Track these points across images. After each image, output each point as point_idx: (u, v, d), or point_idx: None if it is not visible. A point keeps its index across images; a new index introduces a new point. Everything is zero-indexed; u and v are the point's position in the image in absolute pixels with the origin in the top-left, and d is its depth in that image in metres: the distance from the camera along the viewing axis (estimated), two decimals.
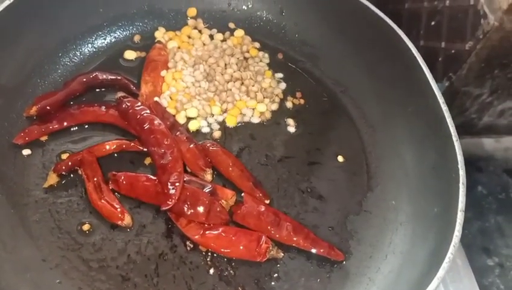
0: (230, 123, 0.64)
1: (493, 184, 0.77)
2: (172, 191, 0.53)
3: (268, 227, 0.54)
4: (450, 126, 0.54)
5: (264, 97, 0.66)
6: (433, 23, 0.71)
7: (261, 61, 0.69)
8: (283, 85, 0.68)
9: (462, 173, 0.51)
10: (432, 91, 0.57)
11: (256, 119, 0.65)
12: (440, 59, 0.71)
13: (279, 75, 0.69)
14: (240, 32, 0.71)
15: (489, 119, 0.79)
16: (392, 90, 0.64)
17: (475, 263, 0.64)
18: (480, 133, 0.81)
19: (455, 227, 0.48)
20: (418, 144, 0.60)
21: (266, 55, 0.70)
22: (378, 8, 0.64)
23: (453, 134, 0.54)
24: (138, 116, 0.58)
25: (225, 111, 0.65)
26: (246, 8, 0.74)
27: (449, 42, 0.69)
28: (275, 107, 0.66)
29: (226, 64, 0.67)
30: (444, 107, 0.56)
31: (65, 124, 0.59)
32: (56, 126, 0.59)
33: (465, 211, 0.49)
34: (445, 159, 0.54)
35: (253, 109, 0.65)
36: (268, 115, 0.65)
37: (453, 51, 0.68)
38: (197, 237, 0.53)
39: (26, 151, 0.58)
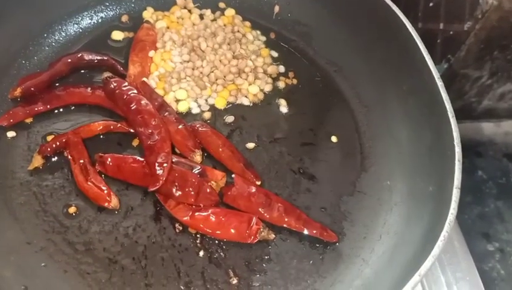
0: (220, 105, 0.62)
1: (493, 169, 0.76)
2: (159, 172, 0.52)
3: (259, 208, 0.53)
4: (445, 102, 0.53)
5: (256, 78, 0.64)
6: (431, 4, 0.70)
7: (256, 39, 0.68)
8: (281, 68, 0.66)
9: (458, 149, 0.50)
10: (427, 67, 0.56)
11: (247, 101, 0.63)
12: (438, 41, 0.70)
13: (275, 54, 0.67)
14: (230, 12, 0.70)
15: (489, 103, 0.79)
16: (387, 69, 0.62)
17: (475, 248, 0.64)
18: (480, 117, 0.81)
19: (450, 205, 0.47)
20: (412, 123, 0.58)
21: (259, 32, 0.69)
22: None
23: (448, 110, 0.52)
24: (125, 97, 0.57)
25: (215, 92, 0.63)
26: None
27: (447, 23, 0.68)
28: (268, 88, 0.64)
29: (216, 44, 0.65)
30: (440, 83, 0.54)
31: (50, 105, 0.58)
32: (41, 108, 0.58)
33: (465, 196, 0.49)
34: (441, 136, 0.53)
35: (246, 90, 0.64)
36: (260, 96, 0.64)
37: (451, 32, 0.67)
38: (186, 218, 0.52)
39: (10, 133, 0.56)
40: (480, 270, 0.61)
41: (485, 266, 0.68)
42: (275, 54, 0.68)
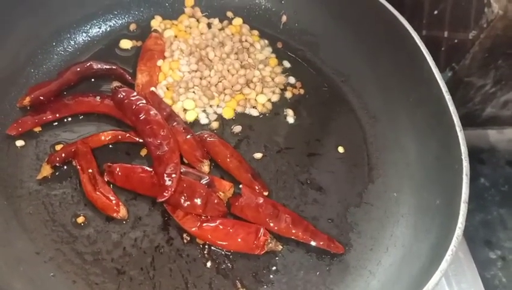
0: (228, 115, 0.62)
1: (496, 176, 0.76)
2: (168, 183, 0.52)
3: (267, 219, 0.53)
4: (453, 115, 0.53)
5: (263, 88, 0.65)
6: (436, 12, 0.70)
7: (264, 49, 0.68)
8: (291, 79, 0.66)
9: (465, 163, 0.50)
10: (435, 80, 0.56)
11: (255, 112, 0.63)
12: (443, 49, 0.70)
13: (287, 64, 0.68)
14: (238, 21, 0.70)
15: (493, 110, 0.79)
16: (394, 80, 0.62)
17: (477, 256, 0.64)
18: (483, 124, 0.81)
19: (458, 219, 0.47)
20: (420, 134, 0.59)
21: (267, 42, 0.69)
22: None
23: (456, 124, 0.52)
24: (134, 107, 0.57)
25: (223, 101, 0.63)
26: None
27: (452, 31, 0.68)
28: (275, 98, 0.65)
29: (223, 54, 0.66)
30: (447, 96, 0.54)
31: (59, 114, 0.58)
32: (50, 117, 0.58)
33: (467, 203, 0.48)
34: (448, 149, 0.53)
35: (253, 100, 0.64)
36: (268, 106, 0.64)
37: (456, 41, 0.67)
38: (194, 229, 0.52)
39: (19, 143, 0.57)
40: (482, 278, 0.61)
41: (487, 273, 0.68)
42: (288, 65, 0.68)
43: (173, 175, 0.52)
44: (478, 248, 0.68)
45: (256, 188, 0.56)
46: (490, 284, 0.66)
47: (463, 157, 0.50)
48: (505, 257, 0.69)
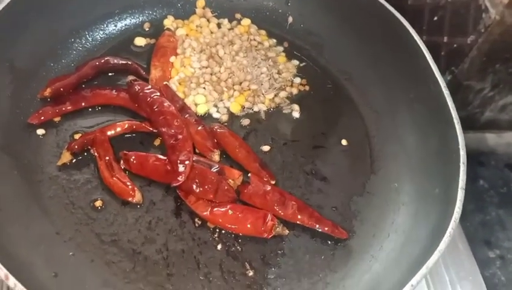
0: (236, 110, 0.65)
1: (495, 178, 0.77)
2: (182, 169, 0.55)
3: (274, 206, 0.55)
4: (451, 109, 0.56)
5: (271, 84, 0.68)
6: (435, 18, 0.72)
7: (272, 47, 0.71)
8: (297, 79, 0.69)
9: (462, 153, 0.53)
10: (433, 76, 0.59)
11: (263, 107, 0.66)
12: (442, 53, 0.72)
13: (295, 62, 0.71)
14: (246, 21, 0.73)
15: (491, 114, 0.80)
16: (395, 77, 0.65)
17: (477, 255, 0.65)
18: (483, 128, 0.82)
19: (456, 204, 0.50)
20: (419, 128, 0.61)
21: (275, 41, 0.72)
22: None
23: (454, 117, 0.55)
24: (148, 99, 0.60)
25: (232, 96, 0.66)
26: None
27: (451, 36, 0.70)
28: (283, 94, 0.67)
29: (233, 52, 0.69)
30: (446, 92, 0.57)
31: (78, 106, 0.61)
32: (69, 107, 0.61)
33: (467, 204, 0.51)
34: (447, 141, 0.55)
35: (261, 96, 0.67)
36: (276, 101, 0.67)
37: (455, 45, 0.69)
38: (205, 213, 0.54)
39: (40, 131, 0.59)
40: (481, 276, 0.63)
41: (486, 272, 0.69)
42: (294, 63, 0.71)
43: (186, 162, 0.55)
44: (478, 248, 0.70)
45: (264, 177, 0.58)
46: (489, 282, 0.67)
47: (460, 147, 0.53)
48: (504, 256, 0.70)
